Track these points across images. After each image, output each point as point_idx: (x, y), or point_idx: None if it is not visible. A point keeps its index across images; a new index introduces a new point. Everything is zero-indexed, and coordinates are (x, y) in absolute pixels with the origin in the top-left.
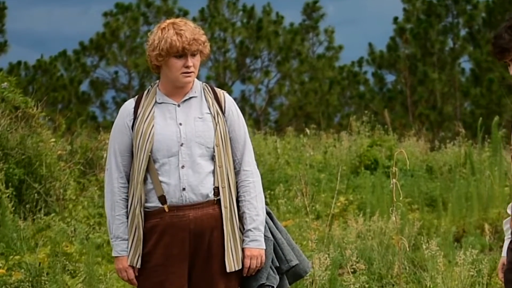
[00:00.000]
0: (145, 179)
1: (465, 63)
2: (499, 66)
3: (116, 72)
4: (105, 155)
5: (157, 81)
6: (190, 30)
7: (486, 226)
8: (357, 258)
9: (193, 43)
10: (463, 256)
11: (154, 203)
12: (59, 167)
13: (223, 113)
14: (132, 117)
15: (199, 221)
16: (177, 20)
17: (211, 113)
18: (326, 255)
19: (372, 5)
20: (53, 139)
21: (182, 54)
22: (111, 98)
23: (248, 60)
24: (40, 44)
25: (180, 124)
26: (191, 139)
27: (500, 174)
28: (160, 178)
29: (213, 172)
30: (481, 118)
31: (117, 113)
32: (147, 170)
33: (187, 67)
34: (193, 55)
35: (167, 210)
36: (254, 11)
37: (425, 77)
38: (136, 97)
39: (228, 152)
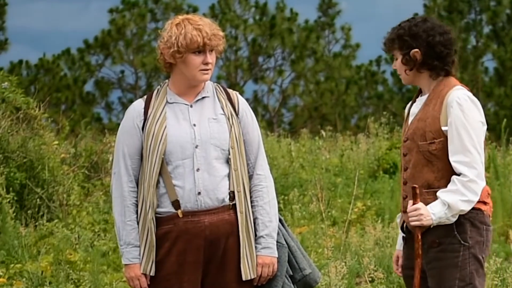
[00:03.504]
0: (157, 183)
1: (489, 62)
2: None
3: (122, 72)
4: (111, 158)
5: (166, 80)
6: (208, 25)
7: (511, 233)
8: (375, 266)
9: (213, 38)
10: (486, 265)
11: (167, 208)
12: (62, 171)
13: (237, 114)
14: (143, 118)
15: (214, 227)
16: (190, 15)
17: (225, 114)
18: (343, 263)
19: (390, 1)
20: (56, 142)
21: (202, 50)
22: (117, 98)
23: (260, 59)
24: (38, 42)
25: (194, 125)
26: (206, 140)
27: None
28: (174, 181)
29: (229, 175)
30: (505, 120)
31: (123, 114)
32: (159, 173)
33: (206, 63)
34: (211, 51)
35: (181, 215)
36: (267, 8)
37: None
38: (145, 97)
39: (243, 155)
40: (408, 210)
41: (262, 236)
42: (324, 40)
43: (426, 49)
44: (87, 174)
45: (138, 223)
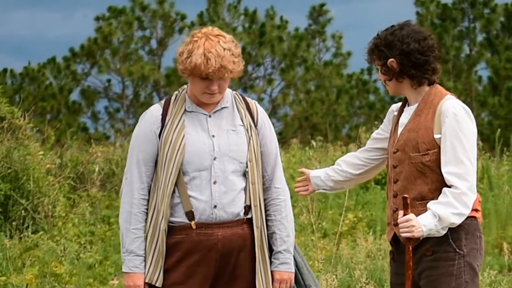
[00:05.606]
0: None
1: (483, 71)
2: None
3: (108, 80)
4: (97, 169)
5: (185, 86)
6: (220, 55)
7: (505, 245)
8: (366, 279)
9: (219, 70)
10: (480, 277)
11: (180, 218)
12: (47, 182)
13: (256, 125)
14: (160, 125)
15: (227, 241)
16: (213, 33)
17: (244, 125)
18: (334, 276)
19: (382, 8)
20: (41, 152)
21: (206, 78)
22: (103, 108)
23: (250, 68)
24: (22, 50)
25: (213, 136)
26: (224, 153)
27: None
28: (190, 192)
29: (245, 189)
30: (499, 130)
31: (110, 123)
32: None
33: (210, 89)
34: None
35: (194, 227)
36: (256, 15)
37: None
38: (163, 103)
39: (259, 168)
40: (398, 221)
41: (280, 252)
42: (315, 48)
43: (402, 57)
44: (72, 185)
45: (147, 231)
